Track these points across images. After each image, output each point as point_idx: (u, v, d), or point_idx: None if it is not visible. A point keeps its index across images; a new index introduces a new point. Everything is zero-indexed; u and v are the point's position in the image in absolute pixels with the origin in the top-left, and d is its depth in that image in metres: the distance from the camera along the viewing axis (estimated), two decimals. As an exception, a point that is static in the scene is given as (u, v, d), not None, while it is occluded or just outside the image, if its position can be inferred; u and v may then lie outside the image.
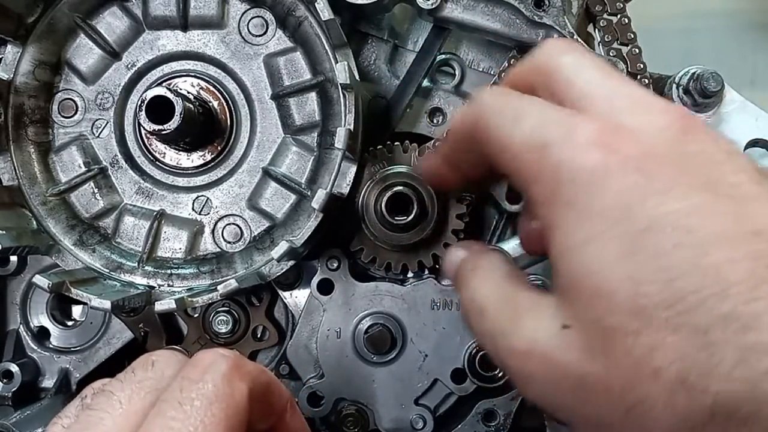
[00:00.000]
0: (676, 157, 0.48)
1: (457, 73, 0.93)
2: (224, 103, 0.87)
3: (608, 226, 0.47)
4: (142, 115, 0.77)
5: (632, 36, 0.92)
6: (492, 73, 0.92)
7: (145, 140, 0.88)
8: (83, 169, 0.88)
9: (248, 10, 0.86)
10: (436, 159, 0.70)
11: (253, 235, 0.87)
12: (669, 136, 0.49)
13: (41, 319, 1.02)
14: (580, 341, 0.49)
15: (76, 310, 1.04)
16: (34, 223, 0.86)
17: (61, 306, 1.03)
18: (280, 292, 0.96)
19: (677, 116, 0.51)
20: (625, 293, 0.46)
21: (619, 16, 0.92)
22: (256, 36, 0.86)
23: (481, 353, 0.89)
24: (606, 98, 0.53)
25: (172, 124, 0.77)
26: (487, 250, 0.70)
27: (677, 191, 0.46)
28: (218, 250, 0.87)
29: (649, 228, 0.45)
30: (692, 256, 0.44)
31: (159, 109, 0.76)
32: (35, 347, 1.01)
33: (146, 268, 0.87)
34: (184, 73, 0.87)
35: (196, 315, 0.97)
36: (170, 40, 0.87)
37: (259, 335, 0.98)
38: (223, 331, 0.96)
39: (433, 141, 0.89)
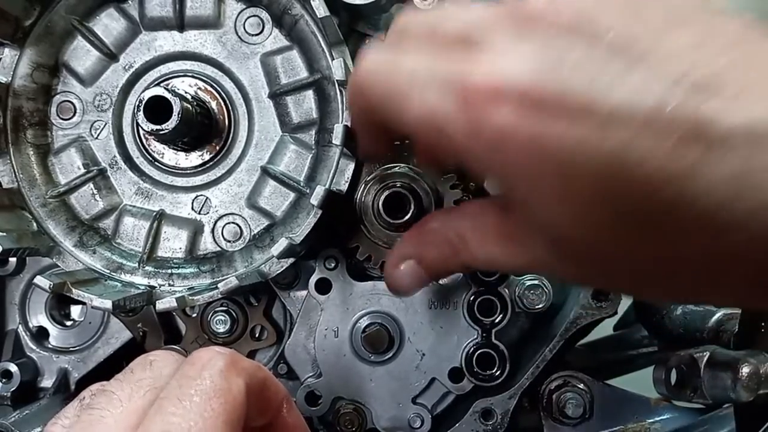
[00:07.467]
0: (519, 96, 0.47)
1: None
2: (222, 103, 0.87)
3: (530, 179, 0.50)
4: (140, 115, 0.77)
5: (629, 35, 0.92)
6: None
7: (144, 141, 0.89)
8: (82, 170, 0.88)
9: (244, 9, 0.87)
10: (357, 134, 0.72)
11: (252, 234, 0.87)
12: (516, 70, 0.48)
13: (40, 319, 1.02)
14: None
15: (75, 310, 1.04)
16: (35, 225, 0.86)
17: (60, 306, 1.03)
18: (279, 292, 0.96)
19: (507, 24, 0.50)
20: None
21: (615, 14, 0.93)
22: (253, 35, 0.87)
23: (479, 352, 0.89)
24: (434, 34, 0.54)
25: (170, 124, 0.77)
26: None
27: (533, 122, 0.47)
28: (218, 249, 0.87)
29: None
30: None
31: (157, 110, 0.77)
32: (34, 347, 1.01)
33: (147, 268, 0.87)
34: (182, 74, 0.88)
35: (194, 315, 0.98)
36: (167, 41, 0.88)
37: (257, 335, 0.98)
38: (222, 330, 0.96)
39: None
